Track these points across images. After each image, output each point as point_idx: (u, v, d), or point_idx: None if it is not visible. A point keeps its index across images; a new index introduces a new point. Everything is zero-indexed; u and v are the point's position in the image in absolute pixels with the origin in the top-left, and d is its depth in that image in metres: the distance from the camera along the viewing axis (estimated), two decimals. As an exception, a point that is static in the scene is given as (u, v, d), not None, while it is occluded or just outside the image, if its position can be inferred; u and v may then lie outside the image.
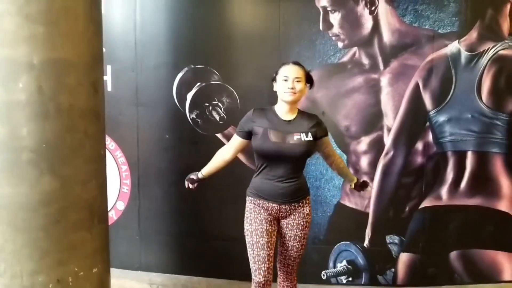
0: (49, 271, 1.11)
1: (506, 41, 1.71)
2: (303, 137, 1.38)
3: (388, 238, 1.84)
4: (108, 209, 1.72)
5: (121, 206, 1.90)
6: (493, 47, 1.71)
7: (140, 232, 1.90)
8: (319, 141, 1.44)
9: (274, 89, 1.42)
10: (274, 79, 1.42)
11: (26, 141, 1.04)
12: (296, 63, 1.42)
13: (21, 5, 1.02)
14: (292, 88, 1.35)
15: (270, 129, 1.38)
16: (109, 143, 1.83)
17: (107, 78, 1.78)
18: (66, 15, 1.09)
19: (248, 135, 1.42)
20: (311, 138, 1.39)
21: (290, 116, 1.40)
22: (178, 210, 1.87)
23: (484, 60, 1.72)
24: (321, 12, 1.69)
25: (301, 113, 1.43)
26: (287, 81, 1.36)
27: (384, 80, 1.72)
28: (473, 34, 1.71)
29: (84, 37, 1.14)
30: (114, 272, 1.38)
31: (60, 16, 1.07)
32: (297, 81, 1.36)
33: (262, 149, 1.39)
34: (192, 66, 1.75)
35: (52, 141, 1.06)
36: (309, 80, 1.42)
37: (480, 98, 1.75)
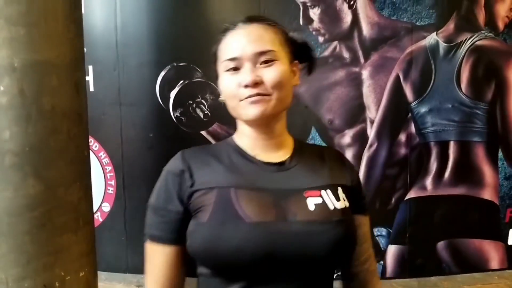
0: (36, 276, 1.08)
1: (483, 32, 1.75)
2: (330, 198, 0.68)
3: (376, 231, 1.85)
4: (94, 211, 1.71)
5: (106, 207, 1.88)
6: (470, 38, 1.75)
7: (126, 234, 1.88)
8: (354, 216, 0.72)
9: (221, 99, 0.71)
10: (214, 71, 0.73)
11: (9, 145, 1.03)
12: (256, 18, 0.70)
13: (0, 7, 1.02)
14: (257, 84, 0.65)
15: (238, 188, 0.65)
16: (93, 144, 1.82)
17: (89, 78, 1.77)
18: (46, 16, 1.08)
19: (182, 229, 0.66)
20: (347, 203, 0.69)
21: (278, 153, 0.71)
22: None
23: (462, 50, 1.75)
24: (301, 8, 1.71)
25: (301, 145, 0.75)
26: (238, 70, 0.67)
27: (365, 73, 1.74)
28: (450, 26, 1.74)
29: (65, 38, 1.13)
30: (101, 275, 1.36)
31: (40, 18, 1.07)
32: (266, 61, 0.66)
33: (225, 249, 0.62)
34: (175, 64, 1.75)
35: (35, 144, 1.05)
36: (297, 52, 0.72)
37: (460, 88, 1.78)
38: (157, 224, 0.68)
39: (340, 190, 0.69)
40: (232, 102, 0.67)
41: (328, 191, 0.68)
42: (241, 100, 0.66)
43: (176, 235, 0.66)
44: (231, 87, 0.67)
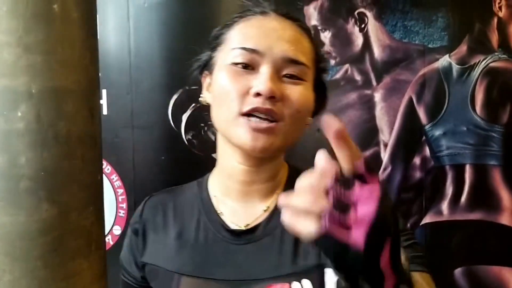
0: None
1: (496, 53, 1.73)
2: None
3: (391, 256, 1.80)
4: (105, 234, 1.70)
5: (117, 230, 1.87)
6: (483, 59, 1.73)
7: (137, 258, 1.86)
8: None
9: (204, 99, 0.58)
10: (205, 67, 0.57)
11: (25, 170, 1.03)
12: (289, 13, 0.57)
13: (20, 36, 1.04)
14: (272, 99, 0.48)
15: (182, 275, 0.52)
16: (105, 166, 1.83)
17: (103, 101, 1.79)
18: (63, 44, 1.10)
19: None
20: None
21: (257, 206, 0.54)
22: (175, 234, 1.84)
23: (476, 72, 1.74)
24: (312, 31, 1.72)
25: (293, 179, 0.43)
26: (254, 70, 0.50)
27: (378, 96, 1.73)
28: (463, 48, 1.73)
29: (81, 65, 1.15)
30: (110, 298, 1.34)
31: (57, 45, 1.09)
32: (293, 75, 0.50)
33: None
34: (187, 88, 1.77)
35: (50, 168, 1.06)
36: (319, 81, 0.54)
37: (474, 111, 1.75)
38: (125, 282, 0.62)
39: (329, 272, 0.46)
40: (227, 112, 0.49)
41: (305, 281, 0.44)
42: (242, 114, 0.48)
43: None
44: (234, 90, 0.47)
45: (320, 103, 0.59)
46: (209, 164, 1.77)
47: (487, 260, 1.80)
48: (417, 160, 1.78)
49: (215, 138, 1.74)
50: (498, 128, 1.76)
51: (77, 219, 1.13)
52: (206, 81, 0.58)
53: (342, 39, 1.71)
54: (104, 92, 1.82)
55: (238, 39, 0.52)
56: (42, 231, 1.06)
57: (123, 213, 1.93)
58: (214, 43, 0.58)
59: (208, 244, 0.51)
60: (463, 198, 1.78)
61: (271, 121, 0.48)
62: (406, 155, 1.77)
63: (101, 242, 1.29)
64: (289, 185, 0.52)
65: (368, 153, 1.76)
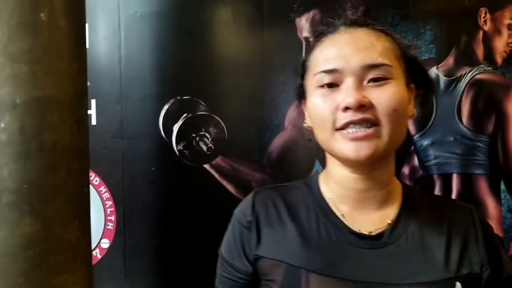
0: None
1: (482, 66, 1.78)
2: None
3: (381, 265, 1.82)
4: (92, 248, 1.66)
5: (105, 244, 1.83)
6: (470, 71, 1.78)
7: (125, 271, 1.82)
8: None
9: (307, 124, 0.58)
10: (302, 95, 0.58)
11: (7, 182, 1.01)
12: (364, 22, 0.57)
13: (4, 45, 1.01)
14: (361, 108, 0.49)
15: (310, 272, 0.51)
16: (93, 178, 1.79)
17: (92, 112, 1.76)
18: (50, 53, 1.08)
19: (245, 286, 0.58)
20: None
21: (376, 214, 0.55)
22: (164, 245, 1.81)
23: (462, 84, 1.78)
24: (304, 43, 1.73)
25: (412, 198, 0.58)
26: (336, 88, 0.52)
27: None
28: (450, 60, 1.77)
29: (68, 75, 1.13)
30: (99, 314, 1.31)
31: (43, 55, 1.07)
32: (376, 79, 0.51)
33: None
34: (178, 98, 1.75)
35: (33, 181, 1.03)
36: (413, 73, 0.58)
37: (461, 121, 1.79)
38: (226, 279, 0.63)
39: (458, 286, 0.48)
40: (324, 131, 0.51)
41: (443, 283, 0.47)
42: (338, 130, 0.50)
43: None
44: (325, 110, 0.50)
45: (427, 90, 0.58)
46: (201, 175, 1.76)
47: (474, 267, 1.84)
48: (406, 170, 1.81)
49: (207, 149, 1.74)
50: (484, 138, 1.81)
51: (61, 234, 1.10)
52: (305, 108, 0.58)
53: (333, 51, 1.73)
54: (93, 102, 1.79)
55: (316, 63, 0.54)
56: (25, 246, 1.03)
57: (111, 226, 1.89)
58: (299, 71, 0.59)
59: (332, 244, 0.51)
60: (451, 207, 1.82)
61: (369, 128, 0.49)
62: (396, 165, 1.79)
63: (87, 256, 1.25)
64: (405, 209, 0.54)
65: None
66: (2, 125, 1.01)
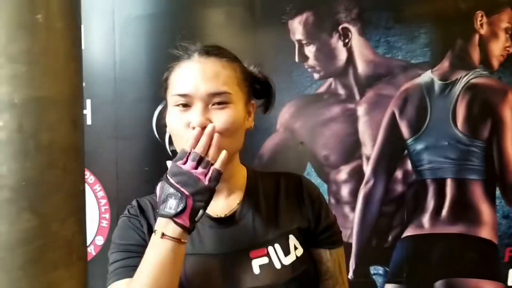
0: None
1: (477, 70, 1.76)
2: (278, 255, 0.64)
3: (372, 269, 1.82)
4: (87, 245, 1.70)
5: (100, 241, 1.87)
6: (465, 75, 1.76)
7: (119, 268, 1.86)
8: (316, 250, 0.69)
9: (168, 130, 0.70)
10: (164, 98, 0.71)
11: (6, 180, 1.04)
12: (214, 51, 0.68)
13: (3, 46, 1.05)
14: (205, 127, 0.62)
15: (186, 254, 0.62)
16: (88, 177, 1.83)
17: (87, 112, 1.79)
18: (47, 54, 1.11)
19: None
20: (301, 249, 0.66)
21: (227, 200, 0.69)
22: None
23: (457, 88, 1.76)
24: (296, 45, 1.73)
25: (254, 182, 0.72)
26: (188, 108, 0.64)
27: (361, 110, 1.75)
28: (445, 64, 1.75)
29: (64, 75, 1.16)
30: (92, 309, 1.34)
31: (41, 56, 1.10)
32: (219, 103, 0.64)
33: None
34: (171, 99, 1.78)
35: (32, 178, 1.06)
36: (255, 89, 0.72)
37: (456, 126, 1.77)
38: (120, 262, 0.72)
39: (291, 237, 0.65)
40: (178, 141, 0.65)
41: (276, 245, 0.63)
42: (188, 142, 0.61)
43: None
44: (178, 125, 0.63)
45: (267, 100, 0.75)
46: (193, 175, 1.79)
47: (467, 272, 1.82)
48: (399, 174, 1.80)
49: (199, 150, 1.76)
50: (479, 143, 1.79)
51: (58, 230, 1.14)
52: (168, 116, 0.70)
53: (326, 54, 1.73)
54: (88, 102, 1.82)
55: (174, 85, 0.66)
56: (23, 242, 1.06)
57: (105, 223, 1.92)
58: (163, 84, 0.70)
59: (199, 230, 0.66)
60: (444, 212, 1.80)
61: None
62: (388, 169, 1.79)
63: (83, 252, 1.29)
64: (249, 191, 0.69)
65: (350, 166, 1.78)
66: (1, 123, 1.04)
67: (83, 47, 1.32)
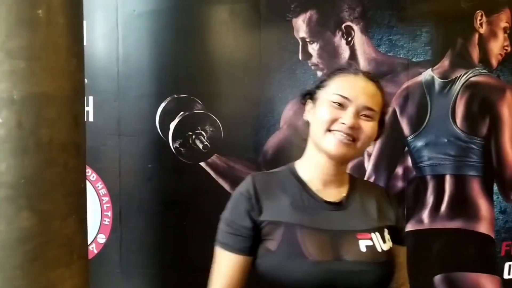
0: None
1: (477, 68, 1.80)
2: (378, 241, 0.75)
3: (373, 264, 1.84)
4: (89, 243, 1.68)
5: (102, 239, 1.85)
6: (464, 74, 1.79)
7: (121, 266, 1.85)
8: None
9: (306, 117, 0.83)
10: (309, 96, 0.83)
11: (5, 177, 1.02)
12: (370, 75, 0.81)
13: (2, 41, 1.03)
14: (352, 128, 0.74)
15: (302, 227, 0.74)
16: (90, 174, 1.81)
17: (89, 109, 1.78)
18: (48, 50, 1.10)
19: (250, 243, 0.76)
20: (391, 243, 0.77)
21: (337, 190, 0.80)
22: (161, 242, 1.84)
23: (457, 86, 1.79)
24: (300, 43, 1.74)
25: (354, 182, 0.84)
26: (343, 109, 0.76)
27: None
28: (445, 62, 1.78)
29: (65, 71, 1.15)
30: (95, 308, 1.34)
31: (41, 51, 1.08)
32: (367, 115, 0.76)
33: (289, 279, 0.71)
34: (175, 96, 1.77)
35: (31, 176, 1.05)
36: (382, 118, 0.82)
37: (455, 123, 1.81)
38: (230, 234, 0.78)
39: (386, 231, 0.78)
40: (320, 127, 0.77)
41: (377, 233, 0.76)
42: (330, 131, 0.76)
43: (245, 248, 0.76)
44: (329, 116, 0.76)
45: (380, 133, 0.84)
46: (196, 172, 1.78)
47: (465, 267, 1.86)
48: (399, 170, 1.83)
49: (203, 147, 1.76)
50: (478, 140, 1.83)
51: (58, 228, 1.12)
52: (308, 106, 0.83)
53: (330, 51, 1.74)
54: (90, 99, 1.80)
55: (337, 87, 0.78)
56: (22, 240, 1.05)
57: (108, 221, 1.91)
58: (318, 83, 0.82)
59: (312, 209, 0.77)
60: (443, 207, 1.84)
61: (351, 140, 0.75)
62: (389, 165, 1.82)
63: (84, 251, 1.27)
64: (352, 187, 0.82)
65: (352, 163, 1.80)
66: (0, 120, 1.03)
67: (85, 43, 1.31)
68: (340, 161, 0.78)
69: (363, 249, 0.74)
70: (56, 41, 1.14)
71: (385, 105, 0.81)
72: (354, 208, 0.79)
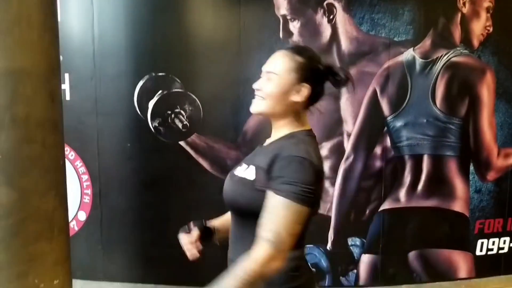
0: (8, 284, 1.09)
1: (458, 48, 1.78)
2: (248, 171, 0.87)
3: (350, 241, 1.89)
4: (70, 220, 1.69)
5: (82, 216, 1.86)
6: (446, 54, 1.78)
7: (102, 242, 1.87)
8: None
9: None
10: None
11: None
12: (290, 48, 0.89)
13: None
14: (258, 90, 0.87)
15: (242, 160, 0.95)
16: (69, 152, 1.80)
17: (65, 87, 1.74)
18: (20, 24, 1.06)
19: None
20: (252, 177, 0.86)
21: (271, 139, 0.91)
22: (140, 219, 1.86)
23: (438, 66, 1.79)
24: (281, 21, 1.71)
25: (287, 137, 0.87)
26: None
27: (343, 87, 1.76)
28: (426, 42, 1.77)
29: (40, 46, 1.11)
30: (77, 283, 1.36)
31: (14, 25, 1.05)
32: (269, 78, 0.86)
33: None
34: (153, 74, 1.74)
35: (8, 152, 1.04)
36: (307, 75, 0.86)
37: (435, 103, 1.81)
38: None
39: (255, 169, 0.88)
40: None
41: (252, 166, 0.88)
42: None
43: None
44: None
45: (334, 82, 0.92)
46: (175, 151, 1.78)
47: (440, 244, 1.91)
48: (378, 150, 1.84)
49: (182, 126, 1.75)
50: (456, 121, 1.84)
51: (38, 204, 1.12)
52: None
53: (311, 30, 1.71)
54: (66, 76, 1.76)
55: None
56: (3, 215, 1.05)
57: (88, 199, 1.91)
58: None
59: (256, 149, 0.96)
60: (420, 187, 1.87)
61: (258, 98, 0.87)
62: (368, 145, 1.83)
63: (64, 226, 1.28)
64: (276, 140, 0.89)
65: (331, 142, 1.81)
66: None
67: (59, 19, 1.26)
68: (264, 117, 0.90)
69: (240, 174, 0.89)
70: (28, 14, 1.11)
71: (304, 67, 0.86)
72: (264, 149, 0.90)
